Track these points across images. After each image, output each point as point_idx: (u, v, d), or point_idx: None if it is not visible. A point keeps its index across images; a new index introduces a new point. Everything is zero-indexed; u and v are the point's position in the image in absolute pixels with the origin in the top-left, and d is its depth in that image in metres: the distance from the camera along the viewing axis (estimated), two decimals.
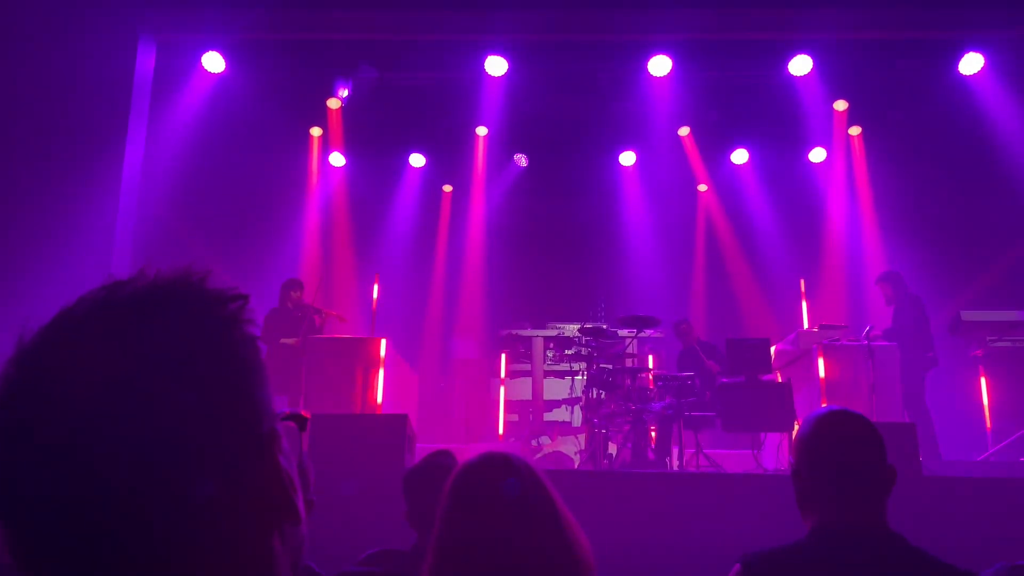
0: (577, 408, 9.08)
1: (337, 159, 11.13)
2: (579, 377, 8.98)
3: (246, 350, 0.66)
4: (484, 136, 10.85)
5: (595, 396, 7.43)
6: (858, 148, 10.47)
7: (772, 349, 7.64)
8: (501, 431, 9.29)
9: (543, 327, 9.95)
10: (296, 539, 0.69)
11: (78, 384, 0.59)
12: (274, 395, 0.71)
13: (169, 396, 0.60)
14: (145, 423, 0.59)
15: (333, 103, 9.92)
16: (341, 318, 8.24)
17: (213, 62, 9.13)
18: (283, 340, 7.60)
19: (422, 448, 5.47)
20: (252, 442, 0.65)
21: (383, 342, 7.33)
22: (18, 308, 5.95)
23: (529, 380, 9.58)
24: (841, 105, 9.91)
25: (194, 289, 0.66)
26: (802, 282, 8.78)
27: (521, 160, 11.26)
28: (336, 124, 10.35)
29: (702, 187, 11.36)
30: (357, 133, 10.63)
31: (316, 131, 10.44)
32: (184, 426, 0.60)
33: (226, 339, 0.65)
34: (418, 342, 10.97)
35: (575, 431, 8.76)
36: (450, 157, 11.20)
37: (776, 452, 7.25)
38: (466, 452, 1.93)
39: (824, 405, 6.59)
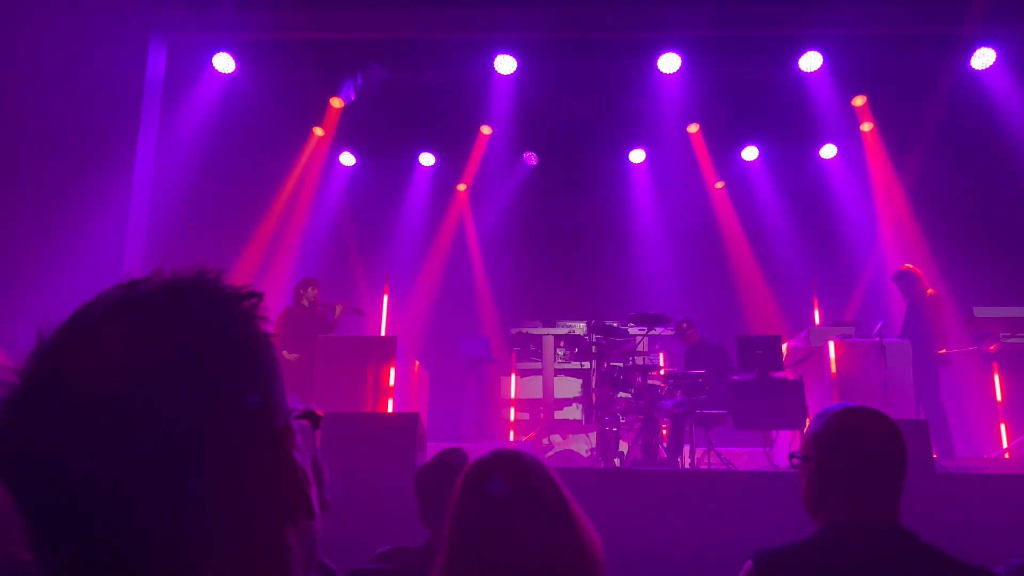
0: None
1: (347, 158, 11.17)
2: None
3: (260, 347, 0.67)
4: (494, 134, 10.86)
5: (605, 394, 7.42)
6: (869, 144, 10.42)
7: (784, 346, 7.62)
8: (512, 429, 9.29)
9: (553, 325, 9.94)
10: (310, 534, 0.70)
11: (95, 381, 0.60)
12: (287, 393, 0.72)
13: (184, 392, 0.61)
14: (160, 419, 0.60)
15: (337, 102, 9.94)
16: (358, 311, 8.26)
17: (223, 62, 9.17)
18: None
19: (433, 447, 5.48)
20: (266, 437, 0.66)
21: (394, 340, 7.35)
22: (33, 305, 6.00)
23: (540, 378, 9.58)
24: (859, 101, 9.87)
25: (209, 287, 0.67)
26: (814, 279, 8.74)
27: (531, 158, 11.26)
28: (346, 123, 10.38)
29: (719, 184, 11.32)
30: (367, 132, 10.66)
31: (322, 131, 10.46)
32: (199, 421, 0.61)
33: (240, 336, 0.66)
34: (428, 340, 10.99)
35: (586, 429, 8.75)
36: (460, 156, 11.21)
37: (788, 449, 7.23)
38: (477, 450, 1.93)
39: (837, 402, 6.58)
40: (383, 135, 10.72)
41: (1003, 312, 7.55)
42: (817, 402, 7.08)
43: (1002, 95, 9.10)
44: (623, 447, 7.55)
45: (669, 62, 9.22)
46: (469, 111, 10.33)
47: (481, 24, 8.86)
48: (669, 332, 9.31)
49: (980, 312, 7.55)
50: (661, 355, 9.76)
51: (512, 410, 9.41)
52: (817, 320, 8.47)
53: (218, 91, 9.33)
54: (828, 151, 10.81)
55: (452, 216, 11.89)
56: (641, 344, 8.46)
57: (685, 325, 8.19)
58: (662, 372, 8.18)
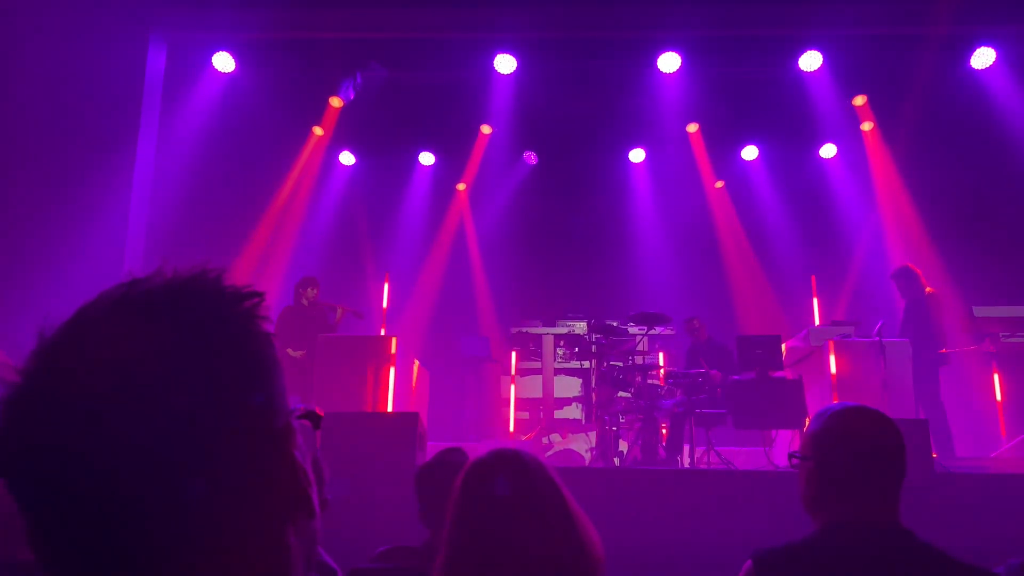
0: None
1: (347, 158, 11.17)
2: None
3: (261, 346, 0.67)
4: (494, 134, 10.87)
5: (605, 393, 7.43)
6: (869, 143, 10.42)
7: (783, 346, 7.62)
8: (511, 429, 9.29)
9: (553, 324, 9.94)
10: (310, 533, 0.70)
11: (95, 380, 0.60)
12: (287, 392, 0.72)
13: (185, 391, 0.61)
14: (161, 418, 0.60)
15: (336, 102, 9.95)
16: (358, 314, 8.25)
17: (223, 62, 9.18)
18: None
19: (433, 446, 5.48)
20: (268, 437, 0.66)
21: (394, 340, 7.35)
22: (34, 304, 6.01)
23: (539, 378, 9.58)
24: (860, 100, 9.88)
25: (210, 287, 0.67)
26: (813, 278, 8.75)
27: (531, 157, 11.27)
28: (346, 123, 10.38)
29: (719, 184, 11.34)
30: (367, 132, 10.67)
31: (322, 130, 10.47)
32: (201, 420, 0.61)
33: (241, 336, 0.66)
34: (428, 340, 10.99)
35: (586, 428, 8.76)
36: (460, 155, 11.22)
37: (788, 449, 7.22)
38: (477, 450, 1.93)
39: (836, 401, 6.58)
40: (383, 135, 10.73)
41: (1003, 312, 7.55)
42: (816, 402, 7.08)
43: (1002, 95, 9.10)
44: (623, 447, 7.55)
45: (669, 62, 9.23)
46: (469, 111, 10.33)
47: (481, 24, 8.86)
48: (669, 331, 9.33)
49: (979, 312, 7.55)
50: (661, 354, 9.76)
51: (512, 409, 9.41)
52: (817, 320, 8.47)
53: (218, 90, 9.34)
54: (828, 151, 10.82)
55: (452, 216, 11.90)
56: (641, 344, 8.46)
57: (696, 323, 8.26)
58: (662, 372, 8.19)
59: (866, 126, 10.26)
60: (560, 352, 9.64)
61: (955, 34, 8.81)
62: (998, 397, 8.05)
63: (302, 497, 0.68)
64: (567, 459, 8.05)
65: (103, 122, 7.85)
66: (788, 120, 10.12)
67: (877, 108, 10.02)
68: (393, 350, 7.26)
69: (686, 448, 7.09)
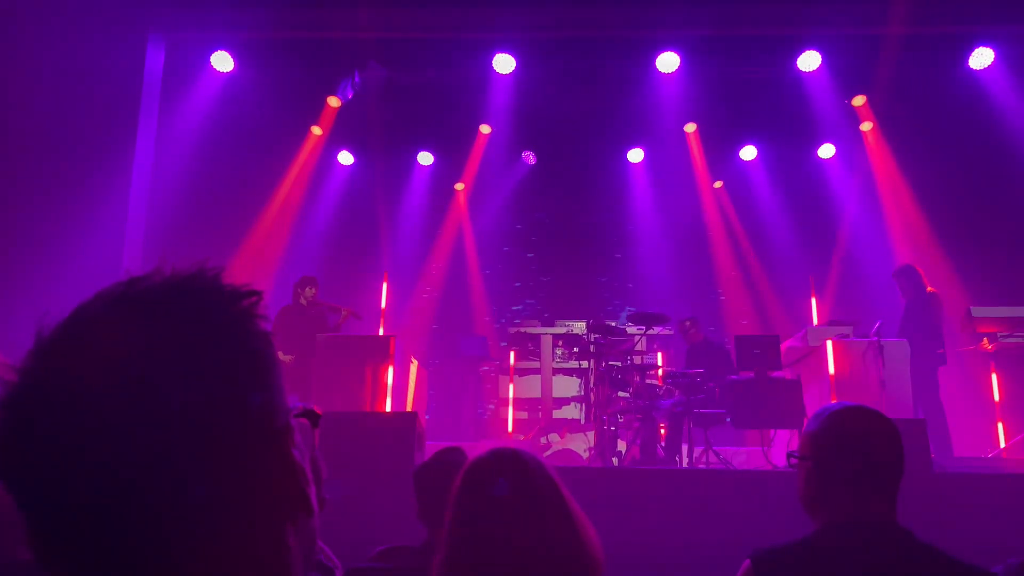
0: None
1: (346, 157, 11.16)
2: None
3: (260, 345, 0.67)
4: (492, 134, 10.87)
5: (604, 393, 7.43)
6: (868, 143, 10.43)
7: (781, 346, 7.62)
8: (510, 428, 9.29)
9: (552, 324, 9.94)
10: (309, 532, 0.70)
11: (94, 378, 0.60)
12: (286, 392, 0.72)
13: (183, 391, 0.61)
14: (159, 417, 0.60)
15: (334, 101, 9.96)
16: (357, 315, 8.25)
17: (222, 61, 9.17)
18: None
19: (432, 446, 5.47)
20: (266, 436, 0.66)
21: (392, 340, 7.35)
22: (32, 303, 5.99)
23: (538, 377, 9.58)
24: (859, 100, 9.89)
25: (208, 285, 0.67)
26: (811, 278, 8.75)
27: (530, 157, 11.27)
28: (345, 123, 10.38)
29: (718, 183, 11.35)
30: (366, 131, 10.66)
31: (320, 130, 10.46)
32: (200, 420, 0.61)
33: (240, 334, 0.66)
34: (428, 340, 10.99)
35: (584, 428, 8.75)
36: (459, 155, 11.22)
37: (786, 449, 7.22)
38: (475, 449, 1.93)
39: (835, 401, 6.57)
40: (382, 134, 10.72)
41: (1001, 312, 7.55)
42: (815, 401, 7.08)
43: (1000, 95, 9.11)
44: (621, 446, 7.55)
45: (668, 61, 9.23)
46: (468, 110, 10.33)
47: (480, 24, 8.86)
48: (668, 331, 9.32)
49: (978, 312, 7.55)
50: (660, 354, 9.76)
51: (510, 409, 9.40)
52: (815, 319, 8.47)
53: (216, 90, 9.34)
54: (826, 151, 10.82)
55: (451, 216, 11.90)
56: (639, 343, 8.46)
57: (688, 324, 8.22)
58: (660, 372, 8.18)
59: (865, 126, 10.26)
60: (559, 352, 9.64)
61: (953, 34, 8.81)
62: (996, 397, 8.05)
63: (301, 496, 0.68)
64: (565, 459, 8.04)
65: (102, 121, 7.85)
66: (787, 120, 10.12)
67: (875, 108, 10.02)
68: (392, 350, 7.25)
69: (684, 448, 7.09)
